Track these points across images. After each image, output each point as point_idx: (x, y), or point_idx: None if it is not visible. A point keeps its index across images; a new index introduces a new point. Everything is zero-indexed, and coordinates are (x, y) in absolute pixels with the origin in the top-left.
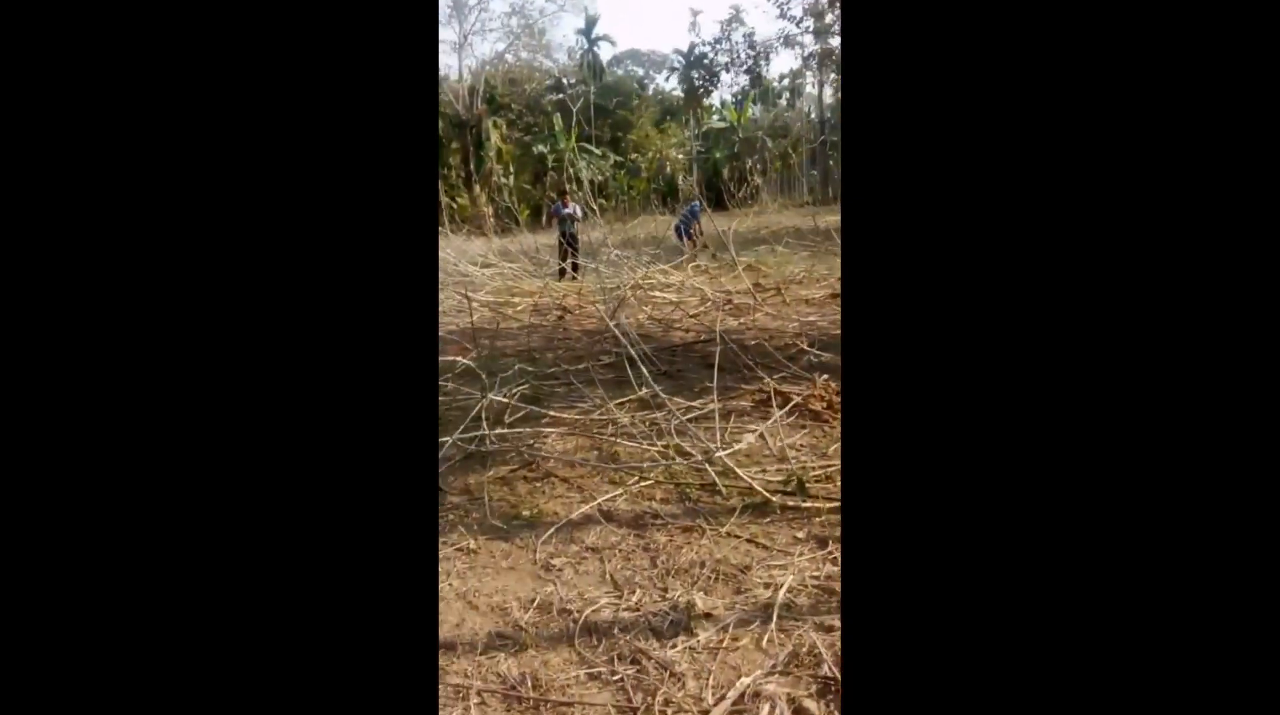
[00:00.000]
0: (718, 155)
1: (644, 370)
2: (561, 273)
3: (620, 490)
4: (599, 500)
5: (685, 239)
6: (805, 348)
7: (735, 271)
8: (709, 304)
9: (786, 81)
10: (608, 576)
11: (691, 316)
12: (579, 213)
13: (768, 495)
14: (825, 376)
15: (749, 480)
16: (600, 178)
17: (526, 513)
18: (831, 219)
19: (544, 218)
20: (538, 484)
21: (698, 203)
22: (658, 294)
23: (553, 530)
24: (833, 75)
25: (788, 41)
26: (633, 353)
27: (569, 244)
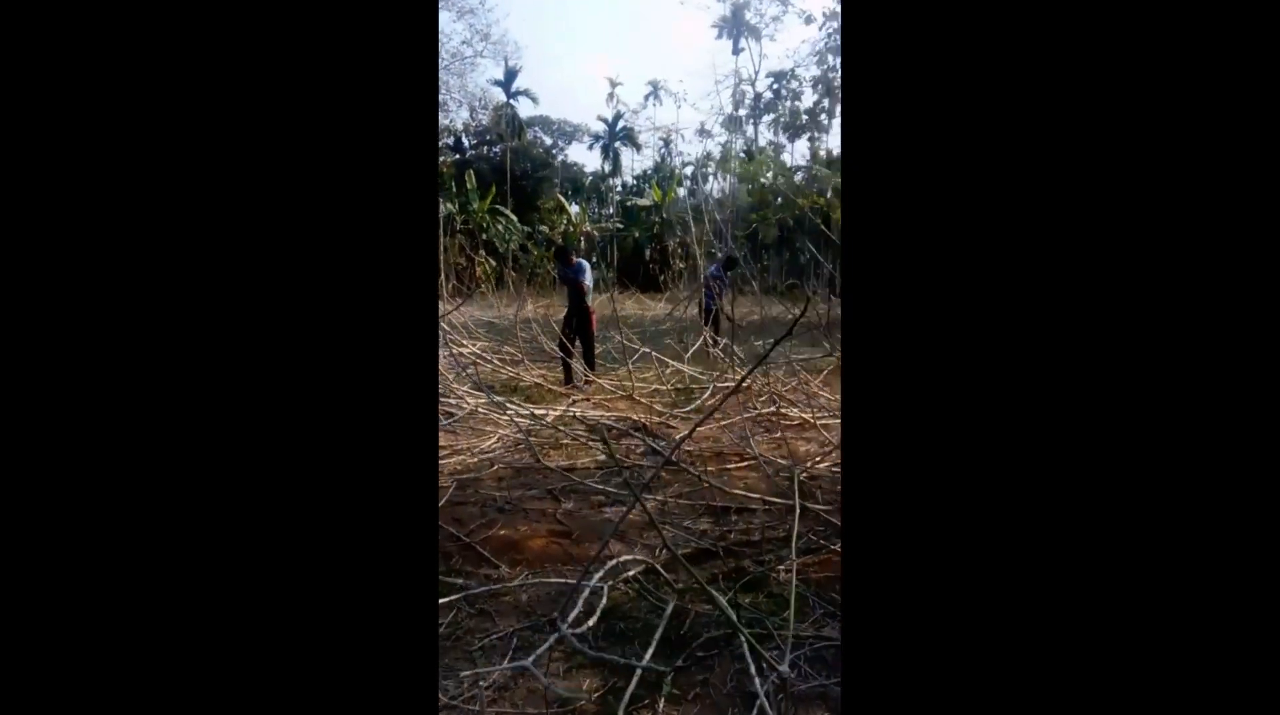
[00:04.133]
0: (637, 234)
1: None
2: (568, 367)
3: None
4: None
5: (709, 316)
6: None
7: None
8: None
9: (689, 169)
10: None
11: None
12: (588, 275)
13: None
14: None
15: None
16: (512, 247)
17: None
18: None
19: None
20: None
21: (718, 266)
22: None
23: None
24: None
25: (702, 132)
26: None
27: (577, 321)
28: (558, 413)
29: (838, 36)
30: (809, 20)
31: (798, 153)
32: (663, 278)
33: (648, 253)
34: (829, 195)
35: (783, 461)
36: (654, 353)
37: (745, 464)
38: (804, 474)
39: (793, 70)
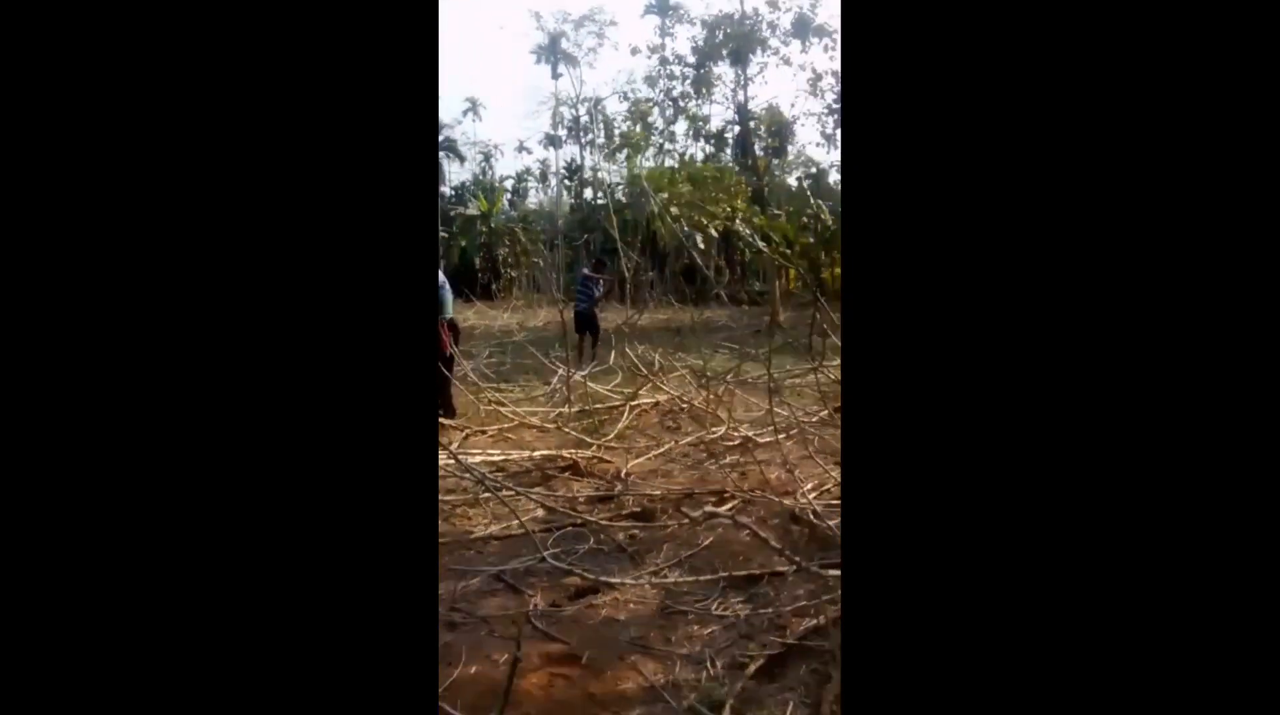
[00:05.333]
0: (463, 243)
1: None
2: (446, 395)
3: None
4: None
5: (587, 333)
6: None
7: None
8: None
9: (510, 183)
10: None
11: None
12: (446, 287)
13: None
14: None
15: None
16: None
17: None
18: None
19: None
20: None
21: (585, 270)
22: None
23: None
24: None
25: (521, 148)
26: None
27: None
28: (477, 457)
29: (657, 66)
30: (635, 51)
31: (615, 172)
32: (495, 286)
33: (477, 262)
34: (654, 209)
35: (774, 498)
36: (570, 369)
37: (728, 506)
38: (802, 511)
39: (623, 93)
